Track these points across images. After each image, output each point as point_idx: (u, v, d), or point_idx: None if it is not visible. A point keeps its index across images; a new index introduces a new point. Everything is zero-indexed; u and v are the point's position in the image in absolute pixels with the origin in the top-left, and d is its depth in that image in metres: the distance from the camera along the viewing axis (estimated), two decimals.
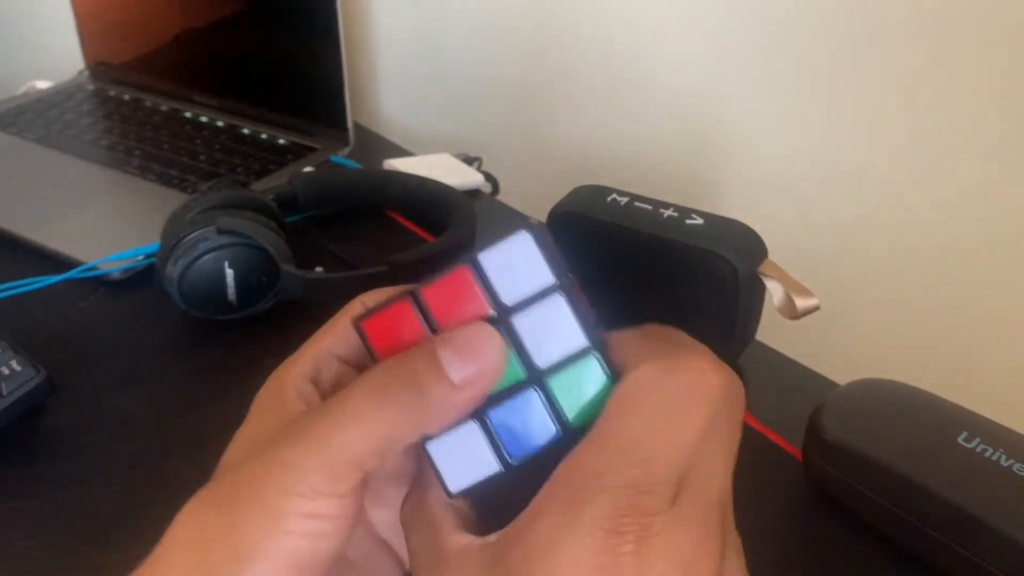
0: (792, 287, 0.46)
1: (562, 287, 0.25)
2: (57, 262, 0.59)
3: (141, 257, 0.58)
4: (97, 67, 0.91)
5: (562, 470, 0.23)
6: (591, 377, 0.25)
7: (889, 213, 0.62)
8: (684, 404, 0.24)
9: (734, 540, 0.25)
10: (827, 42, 0.60)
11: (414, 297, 0.26)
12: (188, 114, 0.82)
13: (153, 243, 0.55)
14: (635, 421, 0.23)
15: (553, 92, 0.79)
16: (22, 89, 0.88)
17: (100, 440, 0.46)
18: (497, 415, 0.26)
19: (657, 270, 0.47)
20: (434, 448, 0.27)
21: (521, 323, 0.26)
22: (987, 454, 0.38)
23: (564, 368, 0.26)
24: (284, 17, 0.78)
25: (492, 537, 0.24)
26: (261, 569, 0.23)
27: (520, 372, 0.26)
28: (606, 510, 0.22)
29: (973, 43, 0.54)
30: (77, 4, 0.89)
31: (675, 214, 0.47)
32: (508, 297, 0.26)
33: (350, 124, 0.77)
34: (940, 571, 0.38)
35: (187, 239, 0.51)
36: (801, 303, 0.45)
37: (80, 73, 0.91)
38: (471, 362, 0.25)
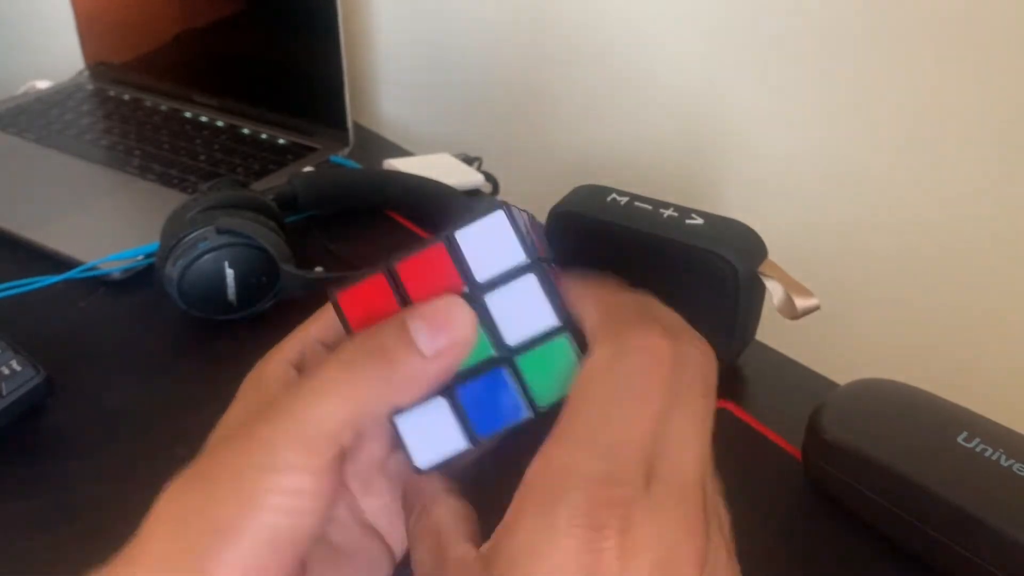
0: (792, 287, 0.46)
1: (534, 267, 0.26)
2: (57, 262, 0.59)
3: (141, 257, 0.58)
4: (97, 67, 0.91)
5: (532, 471, 0.23)
6: (561, 357, 0.26)
7: (889, 213, 0.62)
8: (637, 385, 0.23)
9: (718, 517, 0.25)
10: (827, 42, 0.60)
11: (389, 272, 0.27)
12: (188, 114, 0.82)
13: (153, 243, 0.55)
14: (593, 411, 0.23)
15: (553, 92, 0.79)
16: (22, 89, 0.88)
17: (100, 440, 0.46)
18: (466, 392, 0.26)
19: (657, 270, 0.47)
20: (403, 423, 0.27)
21: (493, 300, 0.26)
22: (987, 454, 0.38)
23: (534, 347, 0.26)
24: (284, 17, 0.78)
25: (484, 547, 0.24)
26: (238, 545, 0.24)
27: (490, 349, 0.26)
28: (581, 507, 0.22)
29: (973, 42, 0.54)
30: (77, 4, 0.89)
31: (675, 214, 0.47)
32: (481, 274, 0.26)
33: (350, 124, 0.77)
34: (940, 571, 0.38)
35: (187, 239, 0.51)
36: (801, 303, 0.45)
37: (80, 73, 0.91)
38: (440, 333, 0.25)
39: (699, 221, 0.47)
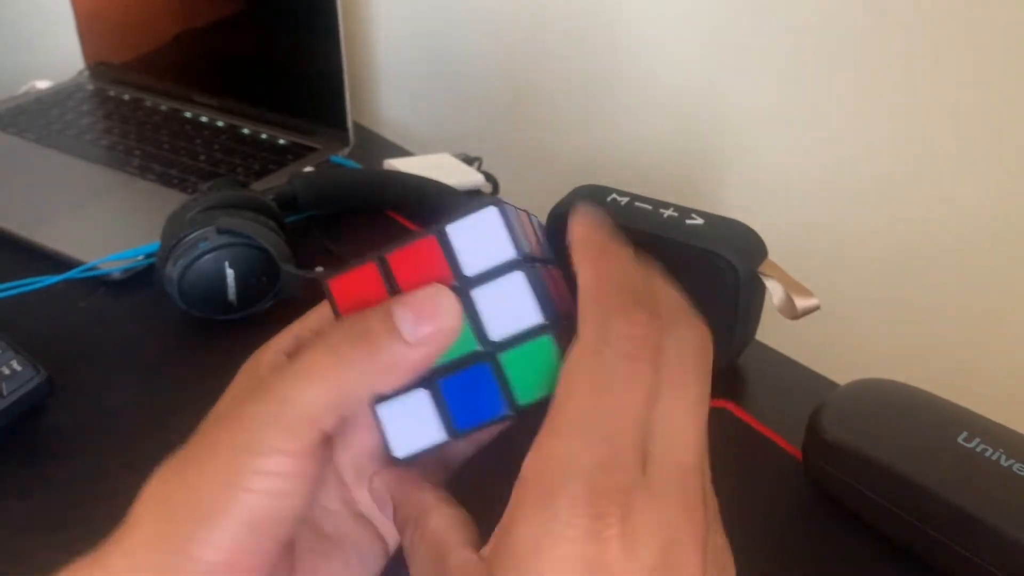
0: (792, 287, 0.46)
1: (523, 264, 0.25)
2: (57, 262, 0.59)
3: (141, 257, 0.58)
4: (97, 67, 0.91)
5: (527, 466, 0.23)
6: (544, 356, 0.25)
7: (889, 213, 0.62)
8: (622, 371, 0.23)
9: (712, 504, 0.25)
10: (827, 42, 0.60)
11: (381, 260, 0.27)
12: (188, 114, 0.82)
13: (153, 243, 0.55)
14: (583, 401, 0.23)
15: (553, 92, 0.79)
16: (22, 89, 0.88)
17: (100, 440, 0.46)
18: (448, 384, 0.27)
19: None
20: (384, 411, 0.27)
21: (480, 295, 0.26)
22: (987, 454, 0.38)
23: (518, 344, 0.26)
24: (284, 17, 0.78)
25: (485, 549, 0.24)
26: (219, 525, 0.24)
27: (474, 343, 0.26)
28: (580, 497, 0.21)
29: (973, 42, 0.54)
30: (77, 4, 0.89)
31: (675, 214, 0.47)
32: (470, 268, 0.26)
33: (350, 124, 0.77)
34: (940, 571, 0.38)
35: (187, 239, 0.51)
36: (801, 303, 0.45)
37: (80, 73, 0.91)
38: (425, 321, 0.25)
39: (699, 221, 0.47)
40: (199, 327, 0.53)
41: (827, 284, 0.51)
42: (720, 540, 0.24)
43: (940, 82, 0.56)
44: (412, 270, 0.27)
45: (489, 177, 0.72)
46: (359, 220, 0.66)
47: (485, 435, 0.31)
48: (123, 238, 0.60)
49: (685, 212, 0.48)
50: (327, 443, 0.26)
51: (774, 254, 0.48)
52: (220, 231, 0.51)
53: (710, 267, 0.46)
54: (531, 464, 0.23)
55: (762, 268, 0.46)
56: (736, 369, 0.51)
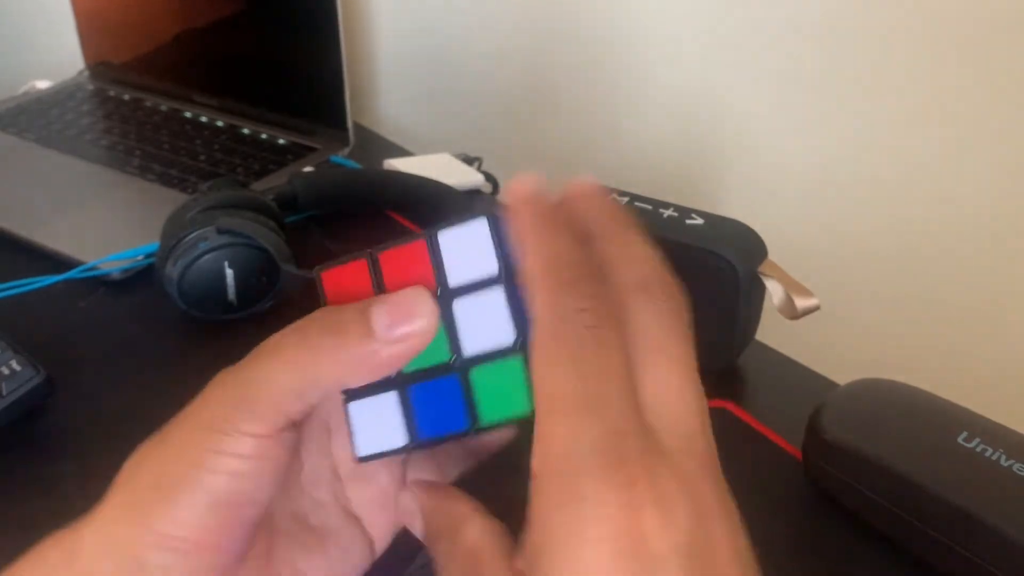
0: (792, 287, 0.46)
1: (504, 280, 0.25)
2: (57, 262, 0.59)
3: (141, 257, 0.58)
4: (97, 67, 0.91)
5: (536, 464, 0.22)
6: (512, 378, 0.25)
7: (889, 213, 0.62)
8: (590, 342, 0.22)
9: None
10: (827, 42, 0.60)
11: (371, 258, 0.27)
12: (188, 114, 0.82)
13: (153, 243, 0.55)
14: (562, 380, 0.22)
15: (553, 92, 0.79)
16: (22, 89, 0.88)
17: (100, 440, 0.46)
18: (417, 391, 0.27)
19: None
20: (354, 409, 0.27)
21: (459, 306, 0.26)
22: (987, 454, 0.38)
23: (489, 362, 0.25)
24: (284, 17, 0.78)
25: (520, 560, 0.23)
26: (181, 502, 0.24)
27: (448, 354, 0.26)
28: (603, 470, 0.21)
29: (973, 42, 0.54)
30: (77, 4, 0.89)
31: (675, 214, 0.47)
32: (454, 278, 0.26)
33: (350, 124, 0.77)
34: (940, 571, 0.38)
35: (187, 239, 0.51)
36: (801, 303, 0.45)
37: (80, 73, 0.91)
38: (399, 321, 0.25)
39: (699, 221, 0.47)
40: (199, 327, 0.53)
41: (827, 284, 0.51)
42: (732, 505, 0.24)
43: (940, 82, 0.56)
44: (399, 271, 0.27)
45: (489, 177, 0.72)
46: (359, 220, 0.66)
47: (485, 447, 0.31)
48: (123, 238, 0.60)
49: (685, 212, 0.48)
50: (293, 429, 0.26)
51: (774, 254, 0.48)
52: (220, 231, 0.51)
53: (710, 267, 0.46)
54: (539, 459, 0.22)
55: (762, 268, 0.46)
56: (736, 369, 0.51)
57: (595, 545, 0.20)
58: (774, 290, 0.46)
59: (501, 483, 0.28)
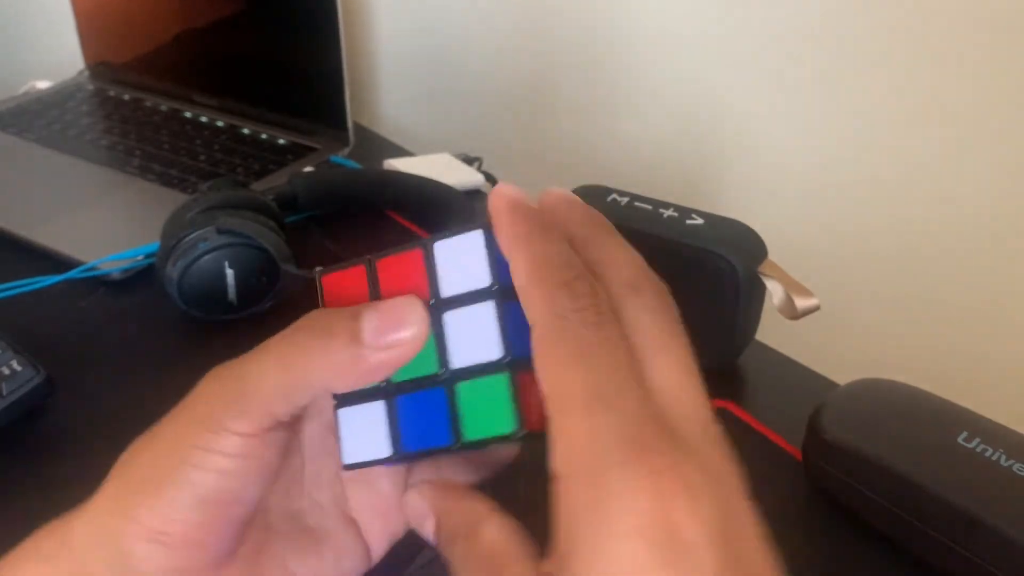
0: (792, 287, 0.46)
1: (495, 294, 0.25)
2: (57, 262, 0.59)
3: (141, 257, 0.58)
4: (97, 67, 0.91)
5: (557, 464, 0.22)
6: (498, 394, 0.24)
7: (889, 213, 0.62)
8: (592, 337, 0.22)
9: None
10: (827, 42, 0.60)
11: (370, 264, 0.27)
12: (188, 114, 0.82)
13: (153, 243, 0.55)
14: (571, 377, 0.22)
15: (553, 92, 0.79)
16: (22, 89, 0.88)
17: (100, 440, 0.45)
18: (405, 403, 0.26)
19: (657, 270, 0.47)
20: (343, 416, 0.27)
21: (450, 318, 0.26)
22: (987, 454, 0.38)
23: (475, 376, 0.25)
24: (284, 17, 0.78)
25: (546, 564, 0.22)
26: (167, 497, 0.25)
27: (436, 366, 0.26)
28: (627, 462, 0.20)
29: (973, 42, 0.54)
30: (77, 4, 0.89)
31: (675, 214, 0.47)
32: (447, 289, 0.26)
33: (350, 124, 0.77)
34: (940, 571, 0.38)
35: (187, 239, 0.51)
36: (801, 303, 0.45)
37: (80, 73, 0.91)
38: (388, 329, 0.25)
39: (699, 221, 0.47)
40: (199, 327, 0.53)
41: (827, 284, 0.51)
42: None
43: (940, 82, 0.56)
44: (396, 278, 0.27)
45: (489, 177, 0.72)
46: (359, 220, 0.66)
47: (494, 461, 0.30)
48: (123, 238, 0.60)
49: (685, 212, 0.48)
50: (282, 430, 0.26)
51: (774, 254, 0.48)
52: (220, 231, 0.51)
53: (710, 267, 0.46)
54: (561, 459, 0.22)
55: (762, 268, 0.46)
56: (736, 369, 0.51)
57: (629, 538, 0.20)
58: (774, 290, 0.46)
59: (504, 487, 0.28)
